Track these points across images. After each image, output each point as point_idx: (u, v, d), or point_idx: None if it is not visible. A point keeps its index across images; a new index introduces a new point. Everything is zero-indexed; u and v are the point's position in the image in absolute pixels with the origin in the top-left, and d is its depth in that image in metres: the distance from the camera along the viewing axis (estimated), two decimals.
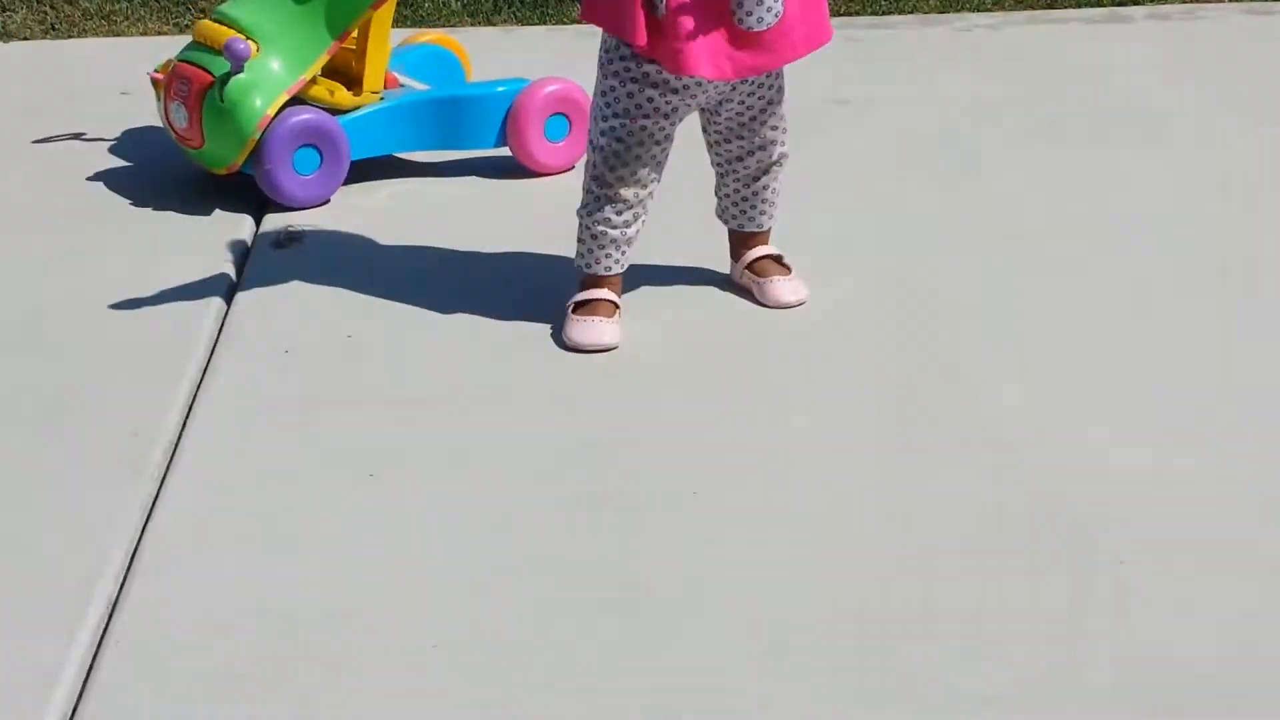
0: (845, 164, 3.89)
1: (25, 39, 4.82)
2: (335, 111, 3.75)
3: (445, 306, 3.28)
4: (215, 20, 3.74)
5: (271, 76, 3.64)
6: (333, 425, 2.92)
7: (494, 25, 4.88)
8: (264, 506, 2.70)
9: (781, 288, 3.23)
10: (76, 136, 4.11)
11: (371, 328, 3.22)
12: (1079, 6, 4.83)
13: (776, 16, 2.95)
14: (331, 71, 3.78)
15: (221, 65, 3.64)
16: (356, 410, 2.97)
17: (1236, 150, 3.93)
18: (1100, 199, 3.72)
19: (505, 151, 3.87)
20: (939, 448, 2.82)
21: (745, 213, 3.24)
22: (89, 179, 3.89)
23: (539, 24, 4.88)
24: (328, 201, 3.73)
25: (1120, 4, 4.82)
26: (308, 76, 3.68)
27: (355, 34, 3.74)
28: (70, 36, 4.84)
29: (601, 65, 3.06)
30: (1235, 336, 3.16)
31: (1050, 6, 4.84)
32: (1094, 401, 2.95)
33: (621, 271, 3.19)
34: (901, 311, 3.24)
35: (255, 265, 3.49)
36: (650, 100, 3.01)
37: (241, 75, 3.62)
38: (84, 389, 3.05)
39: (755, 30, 2.94)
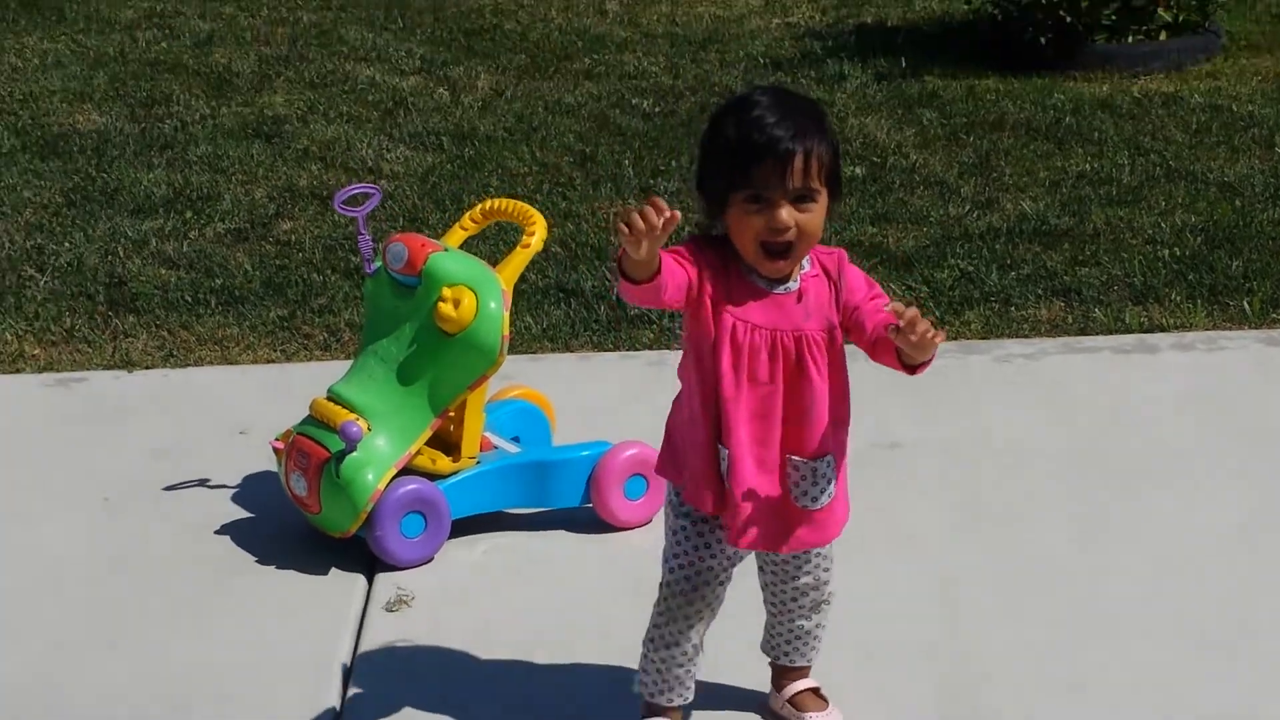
0: (894, 518, 4.29)
1: (148, 368, 5.30)
2: (436, 477, 4.19)
3: (537, 688, 3.68)
4: (330, 399, 4.20)
5: (381, 454, 4.09)
6: None
7: (572, 351, 5.33)
8: None
9: None
10: (202, 483, 4.57)
11: (475, 703, 3.62)
12: (1110, 334, 5.25)
13: (830, 497, 3.24)
14: (432, 437, 4.22)
15: (337, 443, 4.09)
16: None
17: (1250, 498, 4.32)
18: (1130, 550, 4.11)
19: (588, 506, 4.31)
20: None
21: (796, 650, 3.50)
22: (216, 532, 4.33)
23: (613, 349, 5.33)
24: (432, 559, 4.17)
25: (1147, 331, 5.25)
26: (413, 451, 4.13)
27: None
28: (187, 364, 5.32)
29: (673, 506, 3.30)
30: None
31: (1083, 333, 5.26)
32: None
33: (685, 703, 3.43)
34: (944, 714, 3.56)
35: (370, 632, 3.91)
36: (719, 541, 3.27)
37: (355, 454, 4.07)
38: None
39: (810, 509, 3.23)
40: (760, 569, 3.45)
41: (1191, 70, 7.92)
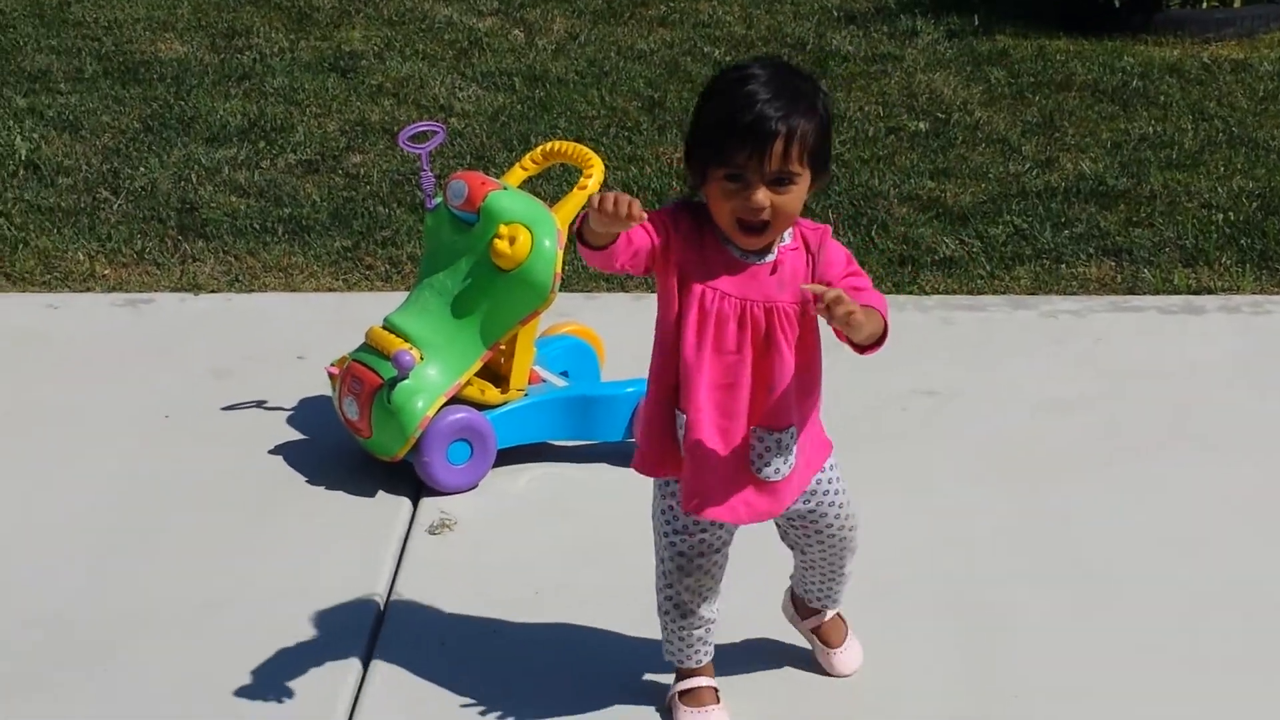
0: (923, 467, 4.38)
1: (213, 291, 5.46)
2: (484, 407, 4.32)
3: (571, 615, 3.80)
4: (385, 329, 4.33)
5: (432, 383, 4.22)
6: None
7: (627, 291, 5.44)
8: None
9: (840, 660, 3.56)
10: (259, 404, 4.71)
11: (510, 627, 3.76)
12: (1156, 294, 5.31)
13: (791, 467, 3.19)
14: (482, 369, 4.35)
15: (390, 370, 4.22)
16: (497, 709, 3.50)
17: None
18: (1163, 508, 4.16)
19: (631, 441, 4.41)
20: None
21: (828, 593, 3.55)
22: (270, 451, 4.48)
23: None
24: (476, 486, 4.29)
25: (1195, 293, 5.30)
26: (463, 381, 4.25)
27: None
28: (252, 289, 5.47)
29: (657, 484, 3.31)
30: None
31: (1131, 293, 5.32)
32: None
33: (711, 659, 3.47)
34: (963, 658, 3.63)
35: (412, 553, 4.04)
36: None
37: (406, 381, 4.19)
38: (253, 684, 3.56)
39: (771, 481, 3.19)
40: (782, 535, 3.47)
41: (1263, 38, 7.90)
